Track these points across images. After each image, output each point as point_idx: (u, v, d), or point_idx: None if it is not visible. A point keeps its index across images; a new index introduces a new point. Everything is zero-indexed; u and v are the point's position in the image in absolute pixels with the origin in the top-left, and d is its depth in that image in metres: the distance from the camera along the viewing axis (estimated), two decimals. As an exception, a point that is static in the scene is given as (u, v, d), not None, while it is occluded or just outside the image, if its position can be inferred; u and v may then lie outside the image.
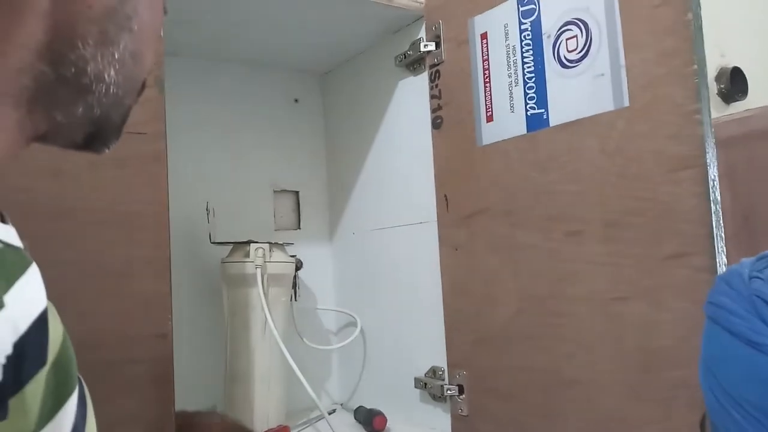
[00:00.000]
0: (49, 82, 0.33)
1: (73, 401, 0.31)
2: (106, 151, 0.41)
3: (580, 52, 0.83)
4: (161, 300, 0.84)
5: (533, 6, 0.89)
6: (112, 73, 0.35)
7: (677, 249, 0.72)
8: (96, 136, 0.39)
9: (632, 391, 0.76)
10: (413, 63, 1.11)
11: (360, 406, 1.15)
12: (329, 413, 1.14)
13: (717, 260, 0.68)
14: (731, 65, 1.53)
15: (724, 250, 0.68)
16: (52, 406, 0.29)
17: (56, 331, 0.30)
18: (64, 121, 0.35)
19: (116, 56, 0.35)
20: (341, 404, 1.29)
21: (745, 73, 1.56)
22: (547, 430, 0.86)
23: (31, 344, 0.27)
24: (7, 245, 0.29)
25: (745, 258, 0.48)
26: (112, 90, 0.36)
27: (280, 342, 1.01)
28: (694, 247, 0.70)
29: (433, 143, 1.06)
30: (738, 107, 1.51)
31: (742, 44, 1.58)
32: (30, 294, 0.28)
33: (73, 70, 0.33)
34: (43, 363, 0.28)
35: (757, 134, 1.23)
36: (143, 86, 0.42)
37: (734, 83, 1.53)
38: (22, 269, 0.29)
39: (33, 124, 0.34)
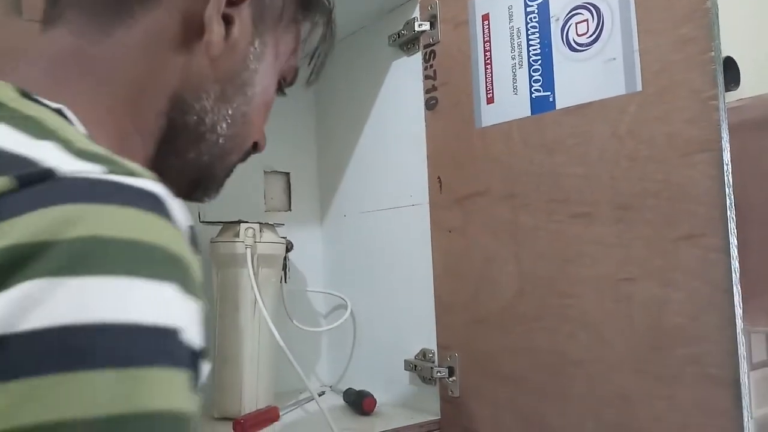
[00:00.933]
0: (176, 126, 0.41)
1: None
2: (206, 200, 0.48)
3: (590, 36, 0.83)
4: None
5: (541, -11, 0.88)
6: (224, 126, 0.43)
7: (690, 230, 0.73)
8: (199, 185, 0.46)
9: (639, 368, 0.77)
10: (407, 43, 1.10)
11: (349, 388, 1.14)
12: (318, 395, 1.14)
13: (729, 241, 0.70)
14: (724, 55, 1.53)
15: (735, 232, 0.70)
16: None
17: None
18: (176, 164, 0.43)
19: (230, 112, 0.43)
20: (330, 386, 1.29)
21: (737, 63, 1.56)
22: (550, 409, 0.86)
23: None
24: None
25: None
26: (221, 141, 0.44)
27: (270, 323, 1.00)
28: (707, 228, 0.72)
29: (426, 124, 1.05)
30: (731, 97, 1.51)
31: (735, 34, 1.57)
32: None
33: (195, 118, 0.41)
34: None
35: (749, 124, 1.24)
36: (249, 151, 0.49)
37: (727, 73, 1.53)
38: None
39: (155, 164, 0.40)
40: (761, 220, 1.11)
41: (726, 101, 1.49)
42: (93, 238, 0.25)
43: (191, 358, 0.26)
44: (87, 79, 0.36)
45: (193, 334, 0.27)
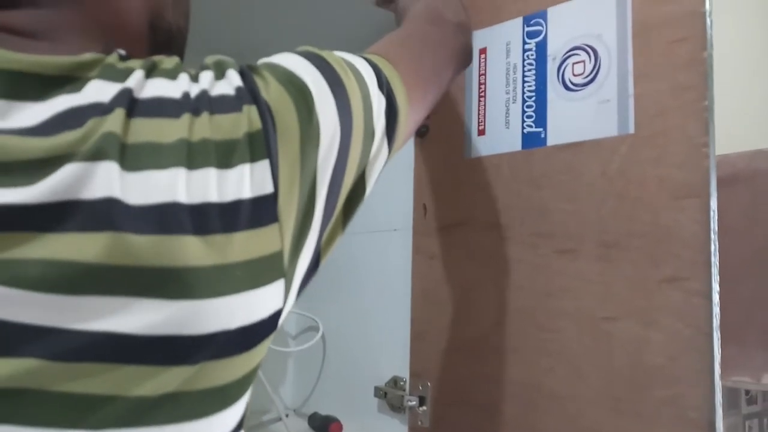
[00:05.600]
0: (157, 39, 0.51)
1: None
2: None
3: (586, 77, 0.85)
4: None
5: (540, 28, 0.90)
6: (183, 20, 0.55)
7: (674, 273, 0.74)
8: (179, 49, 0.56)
9: (616, 406, 0.77)
10: (403, 70, 1.11)
11: (315, 412, 1.12)
12: (279, 419, 1.11)
13: (712, 286, 0.71)
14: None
15: (718, 278, 0.71)
16: None
17: None
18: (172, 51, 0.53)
19: (182, 9, 0.54)
20: (294, 410, 1.26)
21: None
22: (520, 443, 0.85)
23: None
24: None
25: None
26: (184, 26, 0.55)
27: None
28: (691, 272, 0.73)
29: (415, 151, 1.05)
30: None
31: (715, 89, 1.63)
32: None
33: (167, 30, 0.52)
34: None
35: (725, 181, 1.28)
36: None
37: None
38: None
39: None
40: (725, 274, 1.14)
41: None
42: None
43: None
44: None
45: None
